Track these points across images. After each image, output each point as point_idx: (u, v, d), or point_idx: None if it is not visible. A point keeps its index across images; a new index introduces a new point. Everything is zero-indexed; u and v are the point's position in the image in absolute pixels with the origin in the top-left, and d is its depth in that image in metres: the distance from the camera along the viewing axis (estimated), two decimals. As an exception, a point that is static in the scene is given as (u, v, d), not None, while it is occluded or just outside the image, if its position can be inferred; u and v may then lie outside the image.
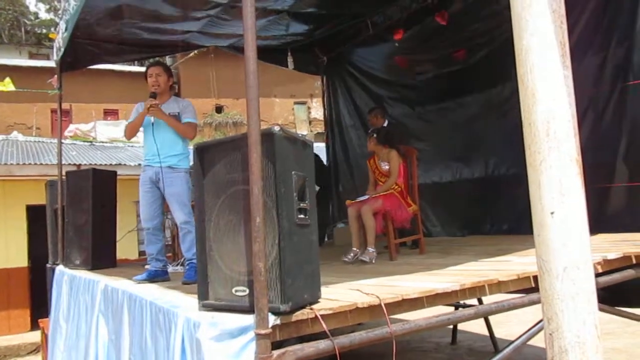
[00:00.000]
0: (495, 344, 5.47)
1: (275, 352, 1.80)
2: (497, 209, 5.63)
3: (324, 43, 7.29)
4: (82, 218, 5.15)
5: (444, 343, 6.03)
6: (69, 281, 4.74)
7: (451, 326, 5.94)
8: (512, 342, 2.55)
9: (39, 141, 11.93)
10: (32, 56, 23.83)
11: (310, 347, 1.89)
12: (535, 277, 2.84)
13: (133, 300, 2.85)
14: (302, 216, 2.09)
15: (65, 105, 18.50)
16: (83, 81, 16.18)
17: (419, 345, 5.94)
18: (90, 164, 8.78)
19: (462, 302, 4.24)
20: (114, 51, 5.98)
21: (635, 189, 4.16)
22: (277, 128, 2.00)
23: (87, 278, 4.14)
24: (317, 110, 21.07)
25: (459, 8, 5.49)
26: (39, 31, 36.81)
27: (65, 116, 18.54)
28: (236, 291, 2.06)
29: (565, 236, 1.57)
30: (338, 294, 2.39)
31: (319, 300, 2.19)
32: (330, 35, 6.98)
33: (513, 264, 3.33)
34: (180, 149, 3.64)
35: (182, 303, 2.39)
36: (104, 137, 16.39)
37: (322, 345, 1.91)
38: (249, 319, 1.89)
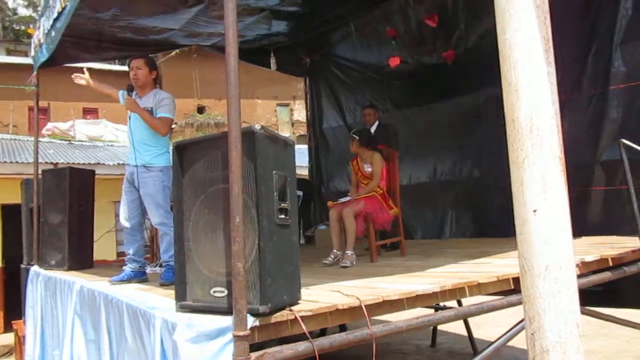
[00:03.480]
0: (474, 345, 5.50)
1: (254, 355, 1.77)
2: (479, 211, 5.68)
3: (307, 45, 7.28)
4: (58, 218, 5.04)
5: (424, 345, 6.04)
6: (44, 282, 4.64)
7: (431, 328, 5.97)
8: (492, 343, 2.56)
9: (15, 139, 11.67)
10: (9, 53, 23.37)
11: (289, 350, 1.86)
12: (515, 279, 2.85)
13: (109, 301, 2.79)
14: (282, 216, 2.06)
15: (43, 103, 18.18)
16: (62, 79, 15.80)
17: (399, 347, 5.94)
18: (68, 163, 8.61)
19: (442, 304, 4.27)
20: (94, 49, 5.86)
21: (612, 192, 4.23)
22: (258, 126, 1.97)
23: (62, 279, 4.04)
24: (300, 112, 21.05)
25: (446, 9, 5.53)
26: (17, 27, 36.14)
27: (43, 114, 18.23)
28: (214, 292, 2.03)
29: (547, 234, 1.56)
30: (318, 296, 2.37)
31: (299, 301, 2.16)
32: (314, 37, 6.98)
33: (493, 266, 3.35)
34: (155, 145, 3.54)
35: (159, 304, 2.33)
36: (83, 136, 16.13)
37: (301, 347, 1.89)
38: (227, 320, 1.85)
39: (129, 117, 3.52)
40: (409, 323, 2.23)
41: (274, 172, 2.02)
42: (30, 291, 5.11)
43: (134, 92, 3.56)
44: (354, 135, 4.58)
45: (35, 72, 5.25)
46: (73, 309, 3.57)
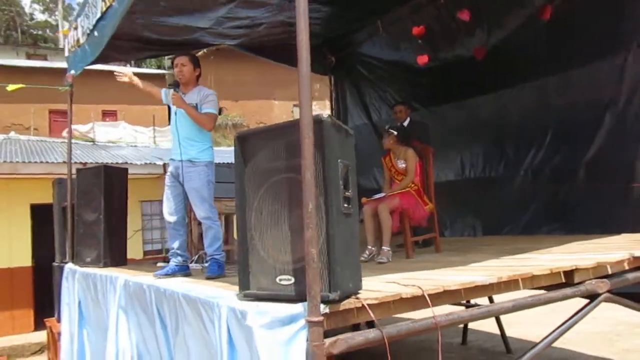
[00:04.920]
0: (507, 343, 5.47)
1: (327, 340, 1.78)
2: (511, 209, 5.64)
3: (332, 43, 7.29)
4: (93, 216, 5.10)
5: (455, 343, 6.01)
6: (82, 278, 4.69)
7: (461, 326, 5.93)
8: (544, 338, 2.54)
9: (42, 140, 11.81)
10: (29, 57, 23.66)
11: (360, 336, 1.87)
12: (566, 272, 2.84)
13: (162, 293, 2.82)
14: (346, 205, 2.07)
15: (64, 106, 18.39)
16: (82, 81, 16.02)
17: (431, 345, 5.91)
18: (97, 163, 8.71)
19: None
20: (125, 49, 5.92)
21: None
22: (325, 115, 1.98)
23: (103, 275, 4.09)
24: (316, 113, 21.03)
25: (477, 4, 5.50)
26: (35, 32, 36.70)
27: (64, 117, 18.43)
28: (280, 280, 2.04)
29: None
30: (375, 286, 2.37)
31: (360, 291, 2.17)
32: (339, 35, 6.99)
33: (538, 261, 3.32)
34: (201, 140, 3.58)
35: (219, 294, 2.35)
36: (103, 138, 16.31)
37: (371, 334, 1.90)
38: (297, 307, 1.87)
39: (175, 113, 3.55)
40: (471, 313, 2.23)
41: (338, 160, 2.04)
42: (66, 288, 5.16)
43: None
44: (392, 130, 4.57)
45: (72, 72, 5.30)
46: (117, 303, 3.61)
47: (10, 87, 7.58)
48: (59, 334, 5.34)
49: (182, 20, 5.36)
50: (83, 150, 10.59)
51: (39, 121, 18.92)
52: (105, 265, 4.72)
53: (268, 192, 2.13)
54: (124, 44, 5.62)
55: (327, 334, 1.88)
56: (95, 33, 4.34)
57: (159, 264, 5.12)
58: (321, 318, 1.78)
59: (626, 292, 3.23)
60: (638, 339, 5.71)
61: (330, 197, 1.94)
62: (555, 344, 3.23)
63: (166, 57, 21.92)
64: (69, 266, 5.23)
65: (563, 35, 4.94)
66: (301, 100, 1.85)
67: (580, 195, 4.88)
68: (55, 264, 6.21)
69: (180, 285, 2.84)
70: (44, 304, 8.23)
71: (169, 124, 4.02)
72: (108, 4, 3.93)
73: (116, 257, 4.96)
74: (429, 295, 2.18)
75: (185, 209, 3.64)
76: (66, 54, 5.63)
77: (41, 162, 8.49)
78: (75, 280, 4.90)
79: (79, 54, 5.18)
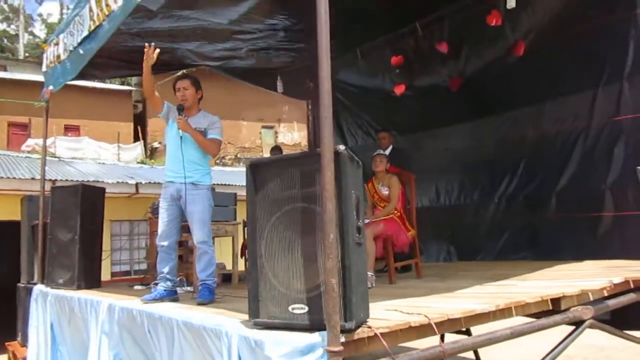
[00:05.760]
0: (481, 368, 5.55)
1: (346, 370, 1.80)
2: (483, 236, 5.82)
3: (312, 69, 7.39)
4: (67, 235, 4.95)
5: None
6: (56, 301, 4.52)
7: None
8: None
9: (4, 154, 11.32)
10: (-13, 67, 22.83)
11: (375, 365, 1.90)
12: (553, 300, 2.96)
13: (157, 319, 2.77)
14: (358, 234, 2.12)
15: (24, 119, 17.83)
16: (44, 95, 15.64)
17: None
18: (67, 180, 8.41)
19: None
20: (105, 67, 5.86)
21: (622, 218, 4.41)
22: (342, 147, 2.04)
23: (82, 298, 3.97)
24: (285, 135, 21.15)
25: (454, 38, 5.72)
26: (-7, 42, 35.52)
27: (24, 130, 17.85)
28: (293, 309, 2.05)
29: None
30: (379, 314, 2.41)
31: (368, 319, 2.20)
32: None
33: (519, 288, 3.44)
34: (203, 165, 3.61)
35: (222, 321, 2.34)
36: (64, 153, 15.84)
37: (385, 363, 1.93)
38: (315, 337, 1.88)
39: (180, 137, 3.51)
40: (474, 341, 2.29)
41: (352, 191, 2.09)
42: (35, 310, 4.95)
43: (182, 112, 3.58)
44: (382, 155, 4.69)
45: (51, 88, 5.18)
46: (100, 328, 3.51)
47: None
48: (24, 359, 5.10)
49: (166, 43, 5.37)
50: (50, 166, 10.20)
51: (-5, 134, 18.23)
52: (79, 288, 4.58)
53: (280, 221, 2.15)
54: (105, 61, 5.57)
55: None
56: (80, 51, 4.29)
57: (136, 287, 5.01)
58: (341, 348, 1.80)
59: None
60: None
61: (346, 228, 1.98)
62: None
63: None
64: (39, 287, 5.03)
65: (536, 70, 5.20)
66: (323, 135, 1.90)
67: (551, 224, 5.10)
68: (20, 284, 5.95)
69: (176, 311, 2.80)
70: (4, 326, 7.80)
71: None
72: (97, 23, 3.89)
73: (90, 279, 4.82)
74: (435, 323, 2.23)
75: (178, 233, 3.61)
76: (44, 69, 5.50)
77: (8, 177, 8.14)
78: (47, 303, 4.72)
79: (59, 69, 5.07)
